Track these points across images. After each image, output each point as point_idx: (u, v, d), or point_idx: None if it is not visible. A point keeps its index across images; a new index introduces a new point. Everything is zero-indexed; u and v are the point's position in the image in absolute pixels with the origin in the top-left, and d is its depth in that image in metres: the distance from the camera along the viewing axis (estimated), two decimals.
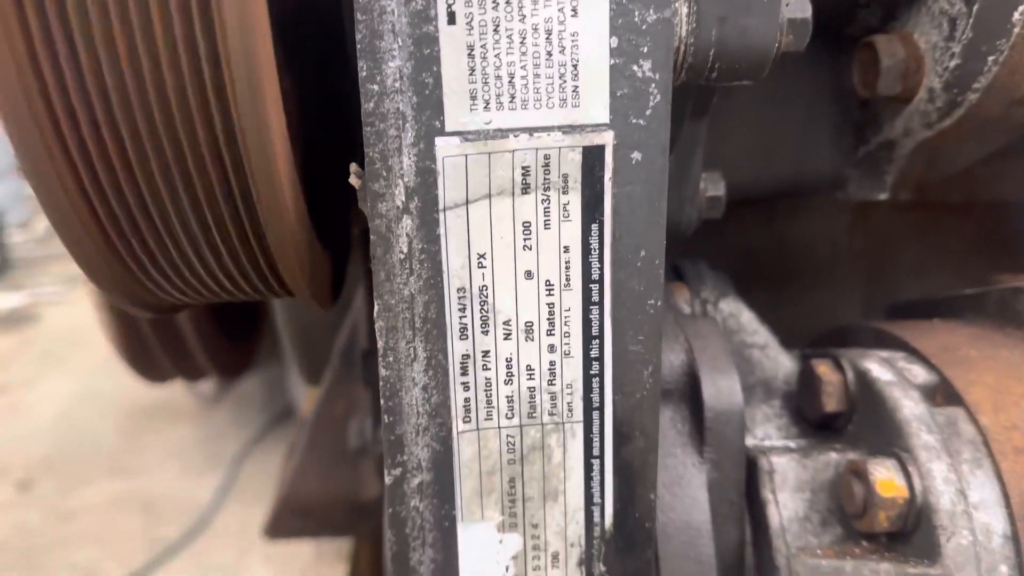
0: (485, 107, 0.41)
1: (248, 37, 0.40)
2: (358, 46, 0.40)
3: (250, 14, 0.40)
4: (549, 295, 0.45)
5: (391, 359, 0.45)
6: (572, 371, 0.47)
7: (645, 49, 0.41)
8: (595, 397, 0.47)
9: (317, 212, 0.52)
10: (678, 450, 0.55)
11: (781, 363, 0.63)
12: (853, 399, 0.57)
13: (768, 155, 0.67)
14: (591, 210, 0.44)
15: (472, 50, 0.40)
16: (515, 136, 0.42)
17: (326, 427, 0.98)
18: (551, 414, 0.47)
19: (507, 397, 0.47)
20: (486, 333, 0.45)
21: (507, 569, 0.49)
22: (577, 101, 0.42)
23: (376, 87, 0.40)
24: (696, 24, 0.42)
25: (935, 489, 0.50)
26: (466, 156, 0.42)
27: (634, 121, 0.42)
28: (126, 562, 1.87)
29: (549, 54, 0.41)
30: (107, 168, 0.45)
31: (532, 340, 0.46)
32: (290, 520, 1.03)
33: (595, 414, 0.47)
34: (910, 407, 0.53)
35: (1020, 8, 0.53)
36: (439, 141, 0.42)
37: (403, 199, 0.42)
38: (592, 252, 0.45)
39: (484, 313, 0.45)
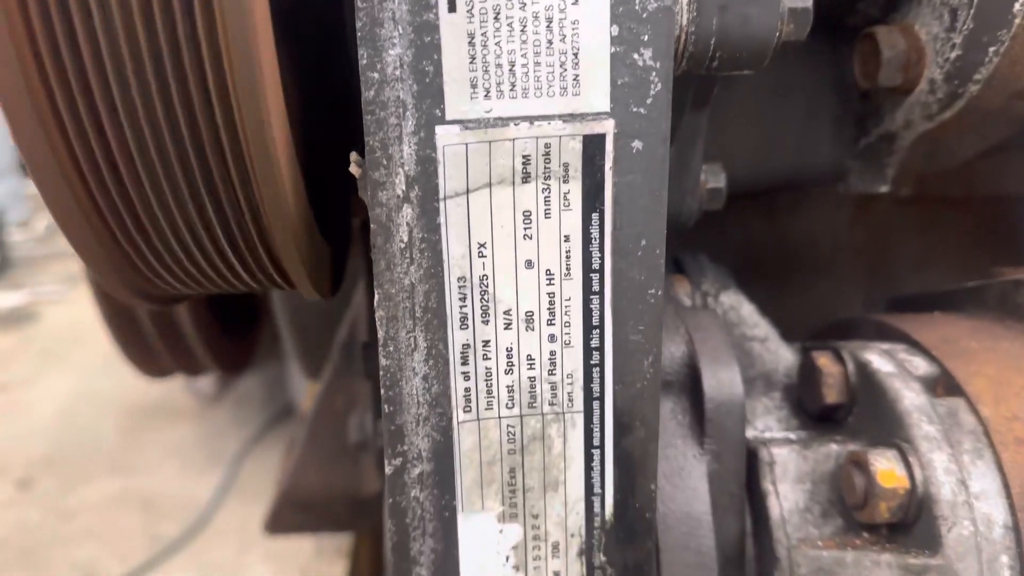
0: (486, 95, 0.41)
1: (248, 25, 0.40)
2: (358, 34, 0.40)
3: (250, 3, 0.40)
4: (549, 284, 0.45)
5: (391, 349, 0.45)
6: (572, 361, 0.47)
7: (646, 37, 0.41)
8: (595, 387, 0.47)
9: (317, 202, 0.52)
10: (679, 441, 0.55)
11: (781, 356, 0.63)
12: (854, 391, 0.57)
13: (768, 147, 0.67)
14: (592, 199, 0.44)
15: (473, 38, 0.40)
16: (516, 125, 0.42)
17: (326, 421, 0.98)
18: (551, 404, 0.47)
19: (507, 387, 0.47)
20: (486, 323, 0.45)
21: (507, 559, 0.49)
22: (578, 89, 0.42)
23: (376, 75, 0.40)
24: (697, 12, 0.42)
25: (936, 479, 0.50)
26: (466, 145, 0.42)
27: (635, 110, 0.42)
28: (126, 560, 1.87)
29: (550, 42, 0.41)
30: (106, 156, 0.45)
31: (532, 330, 0.46)
32: (290, 515, 1.03)
33: (595, 404, 0.47)
34: (911, 398, 0.53)
35: None
36: (439, 130, 0.42)
37: (403, 188, 0.42)
38: (593, 241, 0.45)
39: (484, 303, 0.45)
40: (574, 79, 0.41)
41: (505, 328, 0.46)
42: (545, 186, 0.43)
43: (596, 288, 0.45)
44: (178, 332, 1.25)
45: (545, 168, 0.43)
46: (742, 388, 0.54)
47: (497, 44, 0.41)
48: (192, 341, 1.25)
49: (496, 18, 0.40)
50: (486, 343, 0.46)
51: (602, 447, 0.48)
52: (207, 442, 2.35)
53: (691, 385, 0.56)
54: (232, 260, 0.50)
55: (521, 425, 0.47)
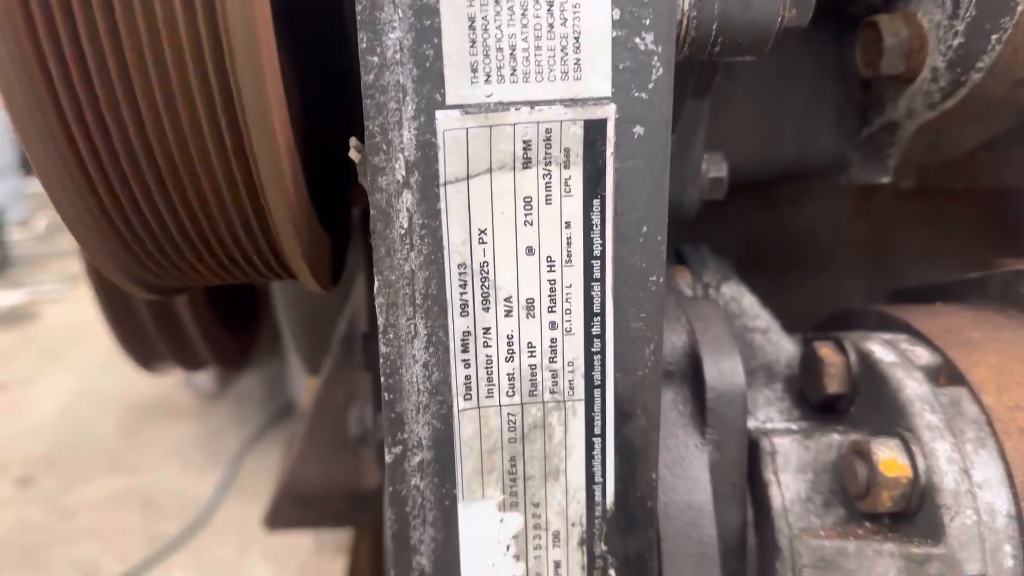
0: (486, 80, 0.41)
1: (248, 14, 0.40)
2: (358, 17, 0.39)
3: None
4: (550, 271, 0.45)
5: (391, 336, 0.45)
6: (573, 348, 0.46)
7: (647, 21, 0.41)
8: (596, 375, 0.47)
9: (317, 192, 0.52)
10: (680, 431, 0.55)
11: (783, 347, 0.63)
12: (855, 381, 0.56)
13: (770, 137, 0.67)
14: (593, 185, 0.43)
15: (473, 22, 0.40)
16: (516, 109, 0.42)
17: (326, 415, 0.98)
18: (552, 392, 0.47)
19: (508, 375, 0.46)
20: (487, 310, 0.45)
21: (508, 548, 0.49)
22: (579, 74, 0.41)
23: (376, 59, 0.40)
24: None
25: (939, 468, 0.49)
26: (467, 130, 0.42)
27: (636, 95, 0.42)
28: (126, 559, 1.87)
29: (551, 26, 0.41)
30: (106, 143, 0.45)
31: (533, 317, 0.46)
32: (290, 510, 1.03)
33: (596, 392, 0.47)
34: (913, 387, 0.53)
35: None
36: (439, 114, 0.41)
37: (403, 173, 0.42)
38: (594, 228, 0.44)
39: (485, 289, 0.45)
40: (575, 63, 0.41)
41: (506, 315, 0.45)
42: (546, 172, 0.43)
43: (597, 275, 0.45)
44: (178, 327, 1.25)
45: (546, 153, 0.43)
46: (744, 377, 0.54)
47: (498, 28, 0.40)
48: (192, 336, 1.25)
49: (496, 1, 0.40)
50: (487, 330, 0.45)
51: (603, 435, 0.48)
52: (207, 440, 2.35)
53: (692, 375, 0.56)
54: (232, 249, 0.50)
55: (522, 413, 0.47)
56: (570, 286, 0.45)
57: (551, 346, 0.46)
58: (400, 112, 0.41)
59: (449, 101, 0.41)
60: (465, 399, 0.46)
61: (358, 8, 0.39)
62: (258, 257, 0.51)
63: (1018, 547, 0.49)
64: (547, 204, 0.44)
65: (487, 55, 0.41)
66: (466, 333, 0.45)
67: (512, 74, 0.41)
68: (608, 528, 0.49)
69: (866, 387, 0.56)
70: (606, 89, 0.42)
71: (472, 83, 0.41)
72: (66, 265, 3.75)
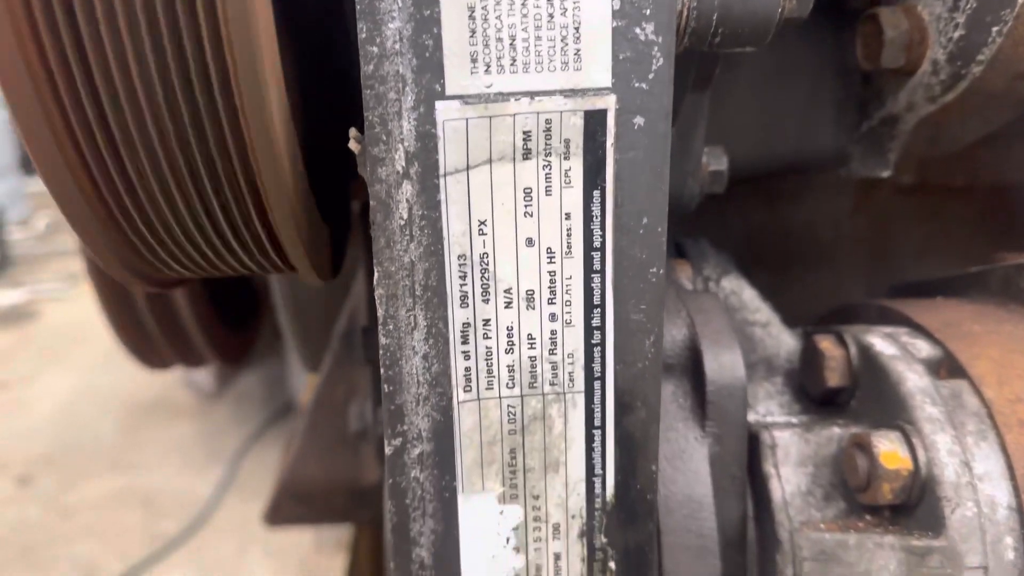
0: (486, 70, 0.41)
1: (247, 5, 0.40)
2: (357, 7, 0.39)
3: None
4: (550, 263, 0.45)
5: (391, 327, 0.44)
6: (573, 340, 0.46)
7: (648, 11, 0.41)
8: (596, 367, 0.47)
9: (317, 185, 0.52)
10: (680, 424, 0.55)
11: (783, 341, 0.63)
12: (856, 374, 0.56)
13: (770, 131, 0.67)
14: (593, 176, 0.43)
15: (473, 11, 0.40)
16: (516, 100, 0.42)
17: (326, 411, 0.97)
18: (552, 384, 0.47)
19: (508, 366, 0.46)
20: (487, 301, 0.45)
21: (508, 540, 0.49)
22: (579, 64, 0.41)
23: (375, 49, 0.40)
24: None
25: (939, 461, 0.49)
26: (467, 120, 0.42)
27: (636, 85, 0.42)
28: (126, 557, 1.87)
29: (551, 16, 0.40)
30: (105, 134, 0.45)
31: (533, 309, 0.45)
32: (290, 506, 1.03)
33: (596, 384, 0.47)
34: (914, 380, 0.53)
35: None
36: (439, 105, 0.41)
37: (403, 164, 0.42)
38: (594, 219, 0.44)
39: (485, 281, 0.45)
40: (575, 54, 0.41)
41: (506, 307, 0.45)
42: (546, 163, 0.43)
43: (597, 266, 0.45)
44: (177, 322, 1.25)
45: (546, 144, 0.43)
46: (744, 371, 0.54)
47: (497, 18, 0.40)
48: (191, 332, 1.25)
49: None
50: (486, 322, 0.45)
51: (603, 427, 0.48)
52: (207, 439, 2.35)
53: (692, 368, 0.56)
54: (230, 240, 0.50)
55: (522, 405, 0.47)
56: (570, 278, 0.45)
57: (551, 338, 0.46)
58: (400, 102, 0.41)
59: (449, 91, 0.41)
60: (465, 391, 0.46)
61: None
62: (257, 248, 0.51)
63: (1019, 539, 0.48)
64: (547, 195, 0.44)
65: (487, 45, 0.41)
66: (466, 324, 0.45)
67: (512, 64, 0.41)
68: (608, 520, 0.49)
69: (867, 380, 0.56)
70: (606, 79, 0.42)
71: (472, 73, 0.41)
72: (66, 264, 3.75)
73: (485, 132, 0.42)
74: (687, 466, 0.53)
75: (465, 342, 0.45)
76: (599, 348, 0.46)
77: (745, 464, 0.54)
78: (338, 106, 0.61)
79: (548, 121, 0.42)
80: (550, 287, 0.45)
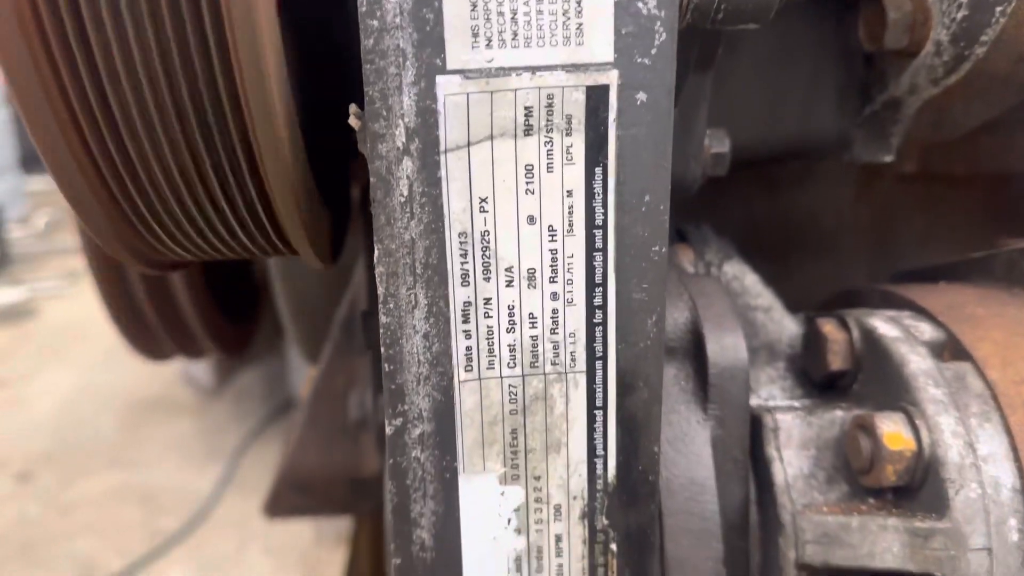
0: (487, 44, 0.41)
1: None
2: None
3: None
4: (552, 241, 0.45)
5: (392, 306, 0.44)
6: (575, 319, 0.46)
7: None
8: (598, 346, 0.46)
9: (317, 168, 0.52)
10: (682, 407, 0.54)
11: (785, 326, 0.63)
12: (859, 357, 0.56)
13: (772, 115, 0.66)
14: (595, 153, 0.43)
15: None
16: (517, 75, 0.41)
17: (326, 401, 0.97)
18: (554, 364, 0.47)
19: (509, 346, 0.46)
20: (488, 280, 0.45)
21: (509, 522, 0.48)
22: (581, 39, 0.41)
23: (376, 23, 0.40)
24: None
25: (943, 442, 0.49)
26: (468, 95, 0.41)
27: (639, 60, 0.41)
28: (126, 554, 1.87)
29: None
30: (106, 114, 0.45)
31: (534, 287, 0.45)
32: (290, 497, 1.02)
33: (598, 364, 0.47)
34: (917, 362, 0.52)
35: None
36: (440, 79, 0.41)
37: (403, 140, 0.42)
38: (596, 196, 0.44)
39: (486, 259, 0.44)
40: (577, 28, 0.41)
41: (507, 285, 0.45)
42: (547, 139, 0.43)
43: (599, 244, 0.45)
44: (176, 312, 1.25)
45: (547, 120, 0.42)
46: (746, 353, 0.54)
47: None
48: (191, 321, 1.24)
49: None
50: (487, 301, 0.45)
51: (605, 408, 0.47)
52: (207, 436, 2.35)
53: (694, 351, 0.55)
54: (229, 218, 0.50)
55: (523, 385, 0.47)
56: (572, 256, 0.45)
57: (552, 317, 0.46)
58: (400, 77, 0.41)
59: (450, 66, 0.41)
60: (466, 370, 0.46)
61: None
62: (256, 228, 0.50)
63: (1023, 521, 0.48)
64: (548, 172, 0.43)
65: (488, 19, 0.40)
66: (467, 303, 0.45)
67: (513, 39, 0.41)
68: (610, 502, 0.49)
69: (869, 363, 0.55)
70: (608, 54, 0.41)
71: (473, 48, 0.41)
72: (66, 262, 3.75)
73: (486, 108, 0.42)
74: (689, 449, 0.53)
75: (466, 321, 0.45)
76: (601, 327, 0.46)
77: (747, 447, 0.54)
78: (337, 88, 0.60)
79: (550, 96, 0.42)
80: (551, 265, 0.45)
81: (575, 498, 0.49)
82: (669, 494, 0.52)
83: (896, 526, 0.50)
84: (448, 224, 0.43)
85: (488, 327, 0.45)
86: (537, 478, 0.48)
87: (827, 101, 0.66)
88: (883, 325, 0.56)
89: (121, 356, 2.43)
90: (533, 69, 0.41)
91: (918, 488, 0.50)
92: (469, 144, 0.42)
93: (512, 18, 0.40)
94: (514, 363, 0.46)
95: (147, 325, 1.24)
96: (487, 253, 0.44)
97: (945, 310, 0.57)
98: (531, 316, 0.46)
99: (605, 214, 0.44)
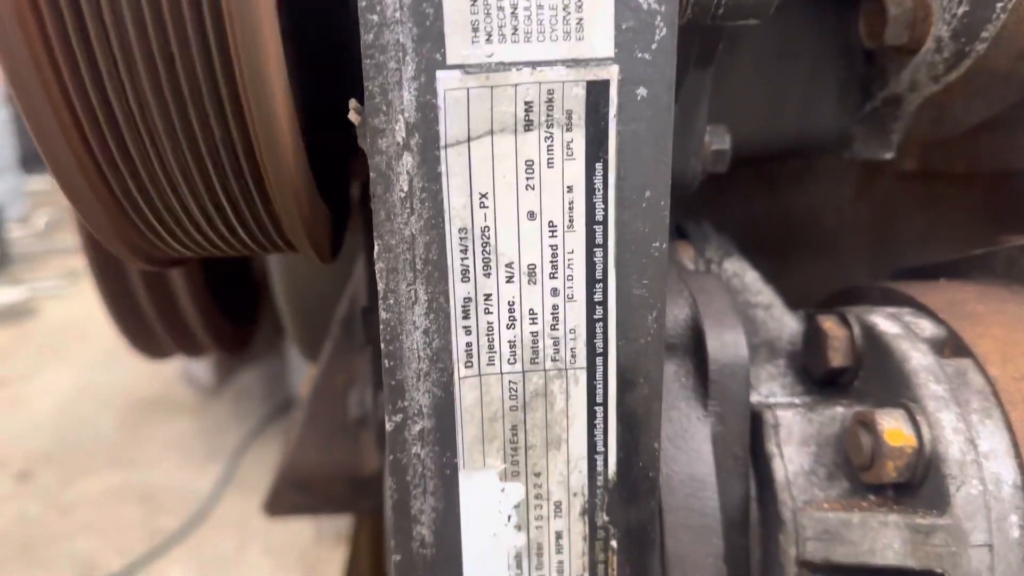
0: (487, 39, 0.41)
1: None
2: None
3: None
4: (552, 236, 0.44)
5: (392, 302, 0.44)
6: (575, 315, 0.46)
7: None
8: (599, 342, 0.46)
9: (316, 165, 0.51)
10: (682, 403, 0.54)
11: (785, 323, 0.63)
12: (859, 354, 0.56)
13: (772, 112, 0.66)
14: (595, 148, 0.43)
15: None
16: (518, 70, 0.41)
17: (326, 400, 0.97)
18: (554, 360, 0.46)
19: (509, 342, 0.46)
20: (488, 275, 0.45)
21: (509, 518, 0.48)
22: (581, 34, 0.41)
23: (376, 17, 0.40)
24: None
25: (944, 438, 0.49)
26: (468, 90, 0.41)
27: (639, 55, 0.41)
28: (125, 553, 1.87)
29: None
30: (105, 109, 0.45)
31: (535, 283, 0.45)
32: (290, 495, 1.02)
33: (599, 360, 0.47)
34: (918, 358, 0.52)
35: None
36: (440, 74, 0.41)
37: (403, 135, 0.42)
38: (596, 192, 0.44)
39: (486, 255, 0.44)
40: (577, 23, 0.41)
41: (507, 281, 0.45)
42: (548, 134, 0.43)
43: (600, 240, 0.45)
44: (176, 310, 1.25)
45: (548, 115, 0.42)
46: (747, 350, 0.54)
47: None
48: (190, 319, 1.24)
49: None
50: (488, 296, 0.45)
51: (605, 404, 0.47)
52: (207, 436, 2.35)
53: (695, 348, 0.55)
54: (230, 216, 0.49)
55: (523, 381, 0.47)
56: (572, 252, 0.45)
57: (553, 313, 0.46)
58: (400, 72, 0.41)
59: (450, 61, 0.41)
60: (466, 366, 0.46)
61: None
62: (256, 224, 0.50)
63: None
64: (549, 168, 0.43)
65: (488, 14, 0.40)
66: (467, 299, 0.45)
67: (513, 34, 0.41)
68: (610, 498, 0.48)
69: (870, 360, 0.55)
70: (609, 49, 0.41)
71: (473, 43, 0.41)
72: (65, 262, 3.75)
73: (486, 103, 0.42)
74: (689, 445, 0.53)
75: (466, 317, 0.45)
76: (601, 323, 0.46)
77: (748, 444, 0.54)
78: (337, 85, 0.60)
79: (550, 92, 0.42)
80: (552, 261, 0.45)
81: (575, 495, 0.48)
82: (669, 491, 0.52)
83: (897, 522, 0.49)
84: (448, 220, 0.43)
85: (488, 323, 0.45)
86: (537, 474, 0.48)
87: (827, 98, 0.66)
88: (884, 322, 0.56)
89: (121, 356, 2.43)
90: (533, 64, 0.41)
91: (919, 484, 0.50)
92: (469, 139, 0.42)
93: (512, 13, 0.40)
94: (514, 359, 0.46)
95: (147, 323, 1.24)
96: (487, 249, 0.44)
97: (946, 307, 0.57)
98: (531, 312, 0.46)
99: (605, 210, 0.44)
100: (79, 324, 3.05)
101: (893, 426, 0.50)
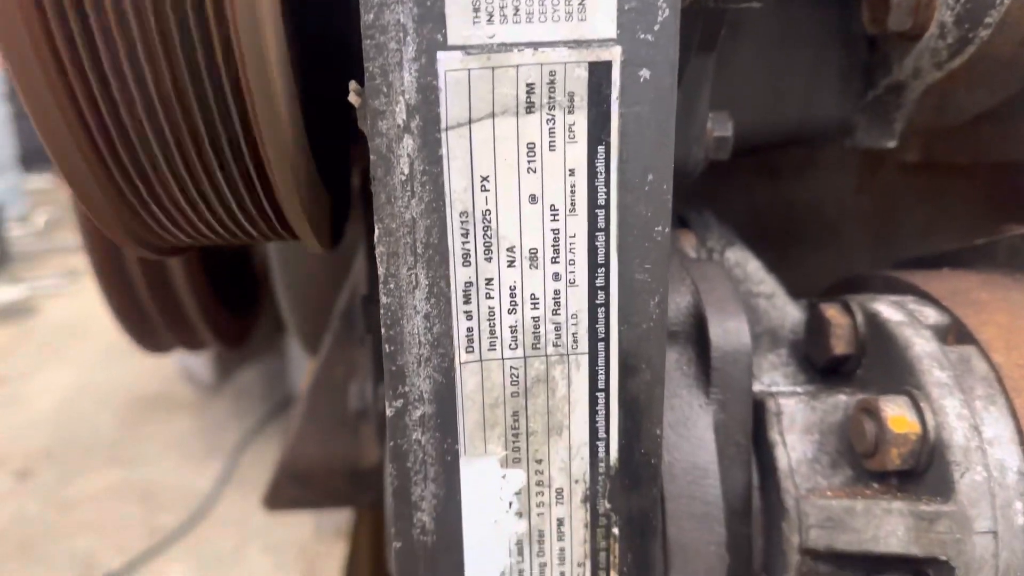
0: (488, 20, 0.40)
1: None
2: None
3: None
4: (554, 220, 0.44)
5: (392, 286, 0.44)
6: (577, 300, 0.45)
7: None
8: (600, 328, 0.46)
9: (317, 150, 0.51)
10: (684, 391, 0.54)
11: (788, 312, 0.62)
12: (862, 341, 0.56)
13: (775, 99, 0.66)
14: (597, 131, 0.43)
15: None
16: (519, 51, 0.41)
17: (326, 392, 0.97)
18: (556, 345, 0.46)
19: (511, 327, 0.45)
20: (489, 260, 0.44)
21: (510, 505, 0.48)
22: (583, 14, 0.41)
23: None
24: None
25: (948, 425, 0.49)
26: (469, 71, 0.41)
27: (642, 36, 0.41)
28: (125, 551, 1.87)
29: None
30: (105, 95, 0.44)
31: (536, 268, 0.45)
32: (290, 489, 1.02)
33: (600, 345, 0.46)
34: (921, 345, 0.52)
35: None
36: (441, 55, 0.40)
37: (404, 117, 0.41)
38: (598, 175, 0.43)
39: (487, 239, 0.44)
40: (580, 3, 0.40)
41: (508, 266, 0.45)
42: (550, 116, 0.42)
43: (602, 224, 0.44)
44: (176, 303, 1.24)
45: (550, 97, 0.42)
46: (749, 337, 0.53)
47: None
48: (190, 312, 1.24)
49: None
50: (489, 281, 0.45)
51: (607, 390, 0.47)
52: (206, 434, 2.35)
53: (697, 335, 0.55)
54: (231, 202, 0.49)
55: (525, 367, 0.46)
56: (574, 236, 0.44)
57: (554, 298, 0.45)
58: (401, 53, 0.40)
59: (451, 42, 0.40)
60: (467, 352, 0.45)
61: None
62: (256, 210, 0.50)
63: None
64: (551, 150, 0.43)
65: None
66: (468, 284, 0.44)
67: (515, 14, 0.40)
68: (612, 485, 0.48)
69: (873, 347, 0.55)
70: (611, 30, 0.41)
71: (474, 23, 0.40)
72: (65, 260, 3.75)
73: (488, 84, 0.41)
74: (691, 433, 0.53)
75: (467, 302, 0.45)
76: (603, 308, 0.46)
77: (750, 431, 0.54)
78: (338, 72, 0.60)
79: (552, 73, 0.41)
80: (553, 245, 0.45)
81: (577, 481, 0.48)
82: (671, 478, 0.52)
83: (901, 510, 0.49)
84: (449, 203, 0.43)
85: (490, 308, 0.45)
86: (539, 461, 0.48)
87: (829, 85, 0.65)
88: (887, 309, 0.55)
89: (121, 354, 2.43)
90: (535, 45, 0.41)
91: (923, 471, 0.50)
92: (470, 121, 0.42)
93: None
94: (516, 344, 0.46)
95: (146, 316, 1.24)
96: (488, 233, 0.44)
97: (949, 295, 0.57)
98: (533, 297, 0.45)
99: (607, 193, 0.44)
100: (79, 322, 3.05)
101: (897, 413, 0.49)
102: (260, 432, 2.30)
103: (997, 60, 0.58)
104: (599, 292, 0.45)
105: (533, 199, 0.44)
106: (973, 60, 0.57)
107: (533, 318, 0.46)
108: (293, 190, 0.47)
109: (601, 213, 0.44)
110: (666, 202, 0.44)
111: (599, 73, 0.42)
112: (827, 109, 0.66)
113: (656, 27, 0.41)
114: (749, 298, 0.62)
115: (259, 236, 0.54)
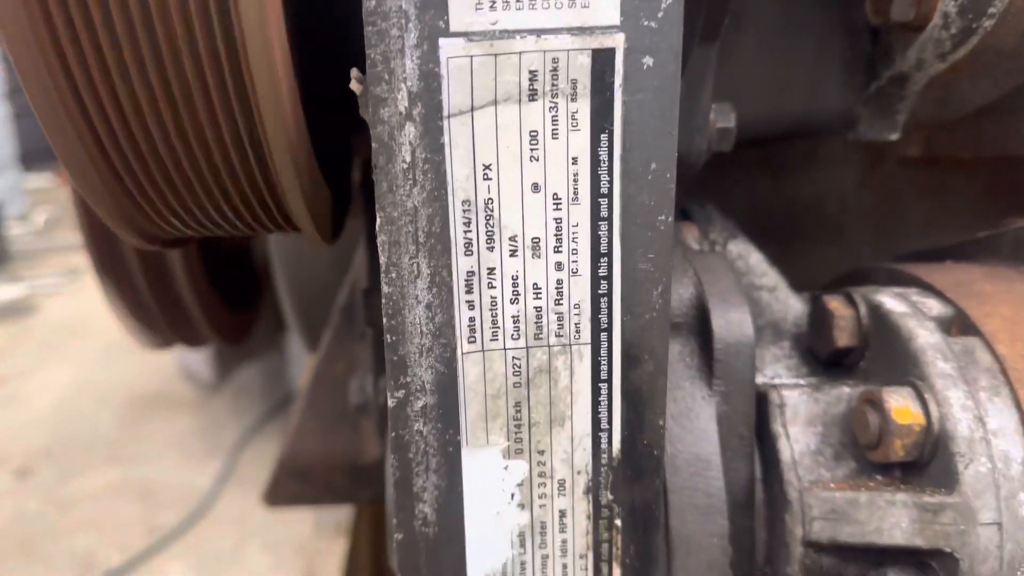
0: (491, 6, 0.40)
1: None
2: None
3: None
4: (556, 209, 0.44)
5: (394, 275, 0.43)
6: (580, 290, 0.45)
7: None
8: (603, 318, 0.46)
9: (319, 141, 0.51)
10: (687, 383, 0.54)
11: (790, 305, 0.62)
12: (866, 333, 0.55)
13: (777, 91, 0.66)
14: (600, 119, 0.42)
15: None
16: (522, 38, 0.41)
17: (326, 387, 0.96)
18: (558, 335, 0.46)
19: (513, 317, 0.45)
20: (491, 249, 0.44)
21: (512, 496, 0.48)
22: (587, 1, 0.40)
23: None
24: None
25: (952, 416, 0.48)
26: (471, 58, 0.41)
27: (646, 23, 0.41)
28: (124, 549, 1.86)
29: None
30: (107, 83, 0.44)
31: (539, 257, 0.44)
32: (290, 485, 1.01)
33: (603, 336, 0.46)
34: (925, 336, 0.52)
35: None
36: (443, 42, 0.40)
37: (406, 104, 0.41)
38: (601, 164, 0.43)
39: (490, 228, 0.44)
40: None
41: (511, 255, 0.44)
42: (552, 104, 0.42)
43: (604, 213, 0.44)
44: (176, 299, 1.24)
45: (552, 85, 0.42)
46: (752, 329, 0.53)
47: None
48: (190, 308, 1.24)
49: None
50: (491, 271, 0.44)
51: (609, 381, 0.47)
52: (206, 432, 2.34)
53: (699, 327, 0.55)
54: (231, 191, 0.49)
55: (527, 357, 0.46)
56: (576, 225, 0.44)
57: (557, 288, 0.45)
58: (402, 39, 0.40)
59: (453, 28, 0.40)
60: (469, 342, 0.45)
61: None
62: (256, 199, 0.50)
63: None
64: (553, 139, 0.43)
65: None
66: (470, 273, 0.44)
67: (518, 1, 0.40)
68: (614, 476, 0.48)
69: (877, 339, 0.55)
70: (615, 17, 0.41)
71: (477, 9, 0.40)
72: (65, 259, 3.75)
73: (490, 71, 0.41)
74: (694, 425, 0.53)
75: (469, 291, 0.44)
76: (606, 298, 0.45)
77: (753, 424, 0.54)
78: (340, 64, 0.60)
79: (555, 60, 0.41)
80: (556, 235, 0.44)
81: (579, 473, 0.48)
82: (674, 470, 0.51)
83: (905, 501, 0.49)
84: (451, 192, 0.43)
85: (492, 297, 0.45)
86: (541, 452, 0.47)
87: (832, 77, 0.65)
88: (890, 301, 0.55)
89: (120, 352, 2.43)
90: (538, 32, 0.41)
91: (927, 463, 0.49)
92: (473, 109, 0.42)
93: None
94: (518, 335, 0.46)
95: (147, 312, 1.23)
96: (491, 222, 0.44)
97: (953, 287, 0.56)
98: (535, 287, 0.45)
99: (611, 182, 0.43)
100: (78, 321, 3.05)
101: (901, 404, 0.49)
102: (260, 430, 2.30)
103: (1001, 51, 0.58)
104: (602, 282, 0.45)
105: (536, 188, 0.43)
106: (976, 51, 0.57)
107: (535, 308, 0.45)
108: (294, 179, 0.47)
109: (604, 202, 0.44)
110: (669, 191, 0.44)
111: (602, 60, 0.41)
112: (830, 100, 0.66)
113: (660, 14, 0.41)
114: (752, 291, 0.62)
115: (259, 227, 0.54)
